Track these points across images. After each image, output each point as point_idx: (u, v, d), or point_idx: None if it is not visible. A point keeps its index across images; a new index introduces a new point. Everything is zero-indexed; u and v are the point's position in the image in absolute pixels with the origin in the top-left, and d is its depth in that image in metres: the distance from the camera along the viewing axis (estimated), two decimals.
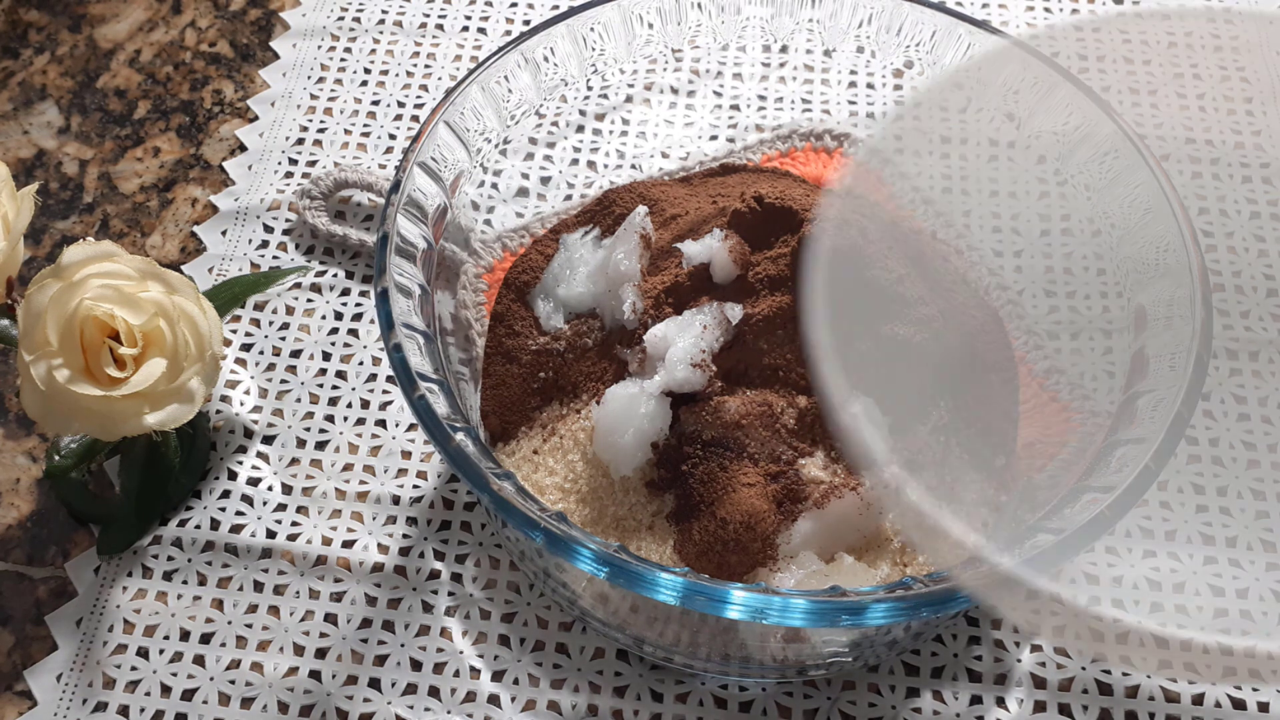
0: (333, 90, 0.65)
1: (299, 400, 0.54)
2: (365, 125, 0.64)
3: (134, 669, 0.46)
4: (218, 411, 0.53)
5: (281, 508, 0.50)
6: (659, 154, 0.60)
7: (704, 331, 0.46)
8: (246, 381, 0.54)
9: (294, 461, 0.52)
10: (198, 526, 0.50)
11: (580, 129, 0.61)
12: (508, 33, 0.68)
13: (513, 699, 0.45)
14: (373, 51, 0.67)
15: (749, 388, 0.47)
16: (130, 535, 0.49)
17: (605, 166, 0.59)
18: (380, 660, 0.46)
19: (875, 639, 0.43)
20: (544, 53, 0.51)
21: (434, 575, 0.48)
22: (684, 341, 0.46)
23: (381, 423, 0.53)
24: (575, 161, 0.60)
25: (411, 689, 0.46)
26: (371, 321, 0.56)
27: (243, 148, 0.63)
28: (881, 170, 0.58)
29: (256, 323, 0.56)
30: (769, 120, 0.61)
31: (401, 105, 0.64)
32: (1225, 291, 0.56)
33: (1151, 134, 0.62)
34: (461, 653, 0.47)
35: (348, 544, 0.49)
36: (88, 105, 0.65)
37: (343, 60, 0.66)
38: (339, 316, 0.56)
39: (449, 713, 0.45)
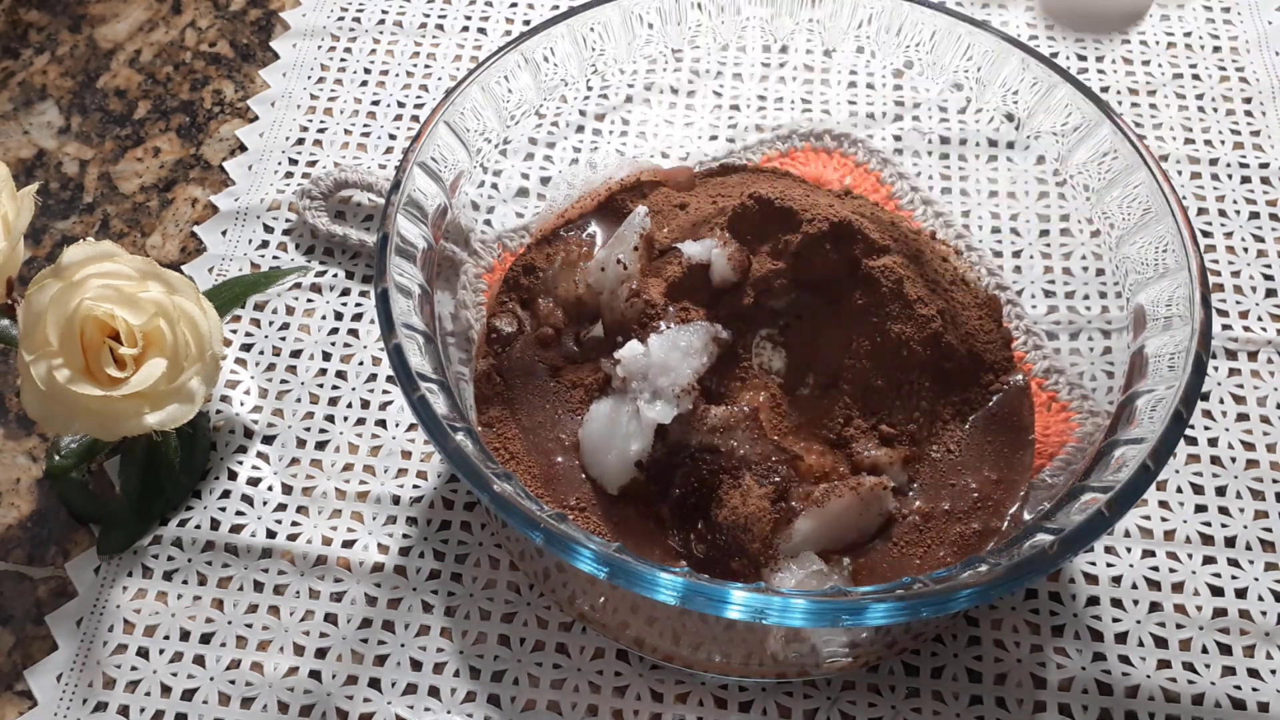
0: (333, 90, 0.65)
1: (299, 400, 0.54)
2: (365, 125, 0.64)
3: (134, 669, 0.46)
4: (218, 411, 0.53)
5: (281, 508, 0.50)
6: (659, 154, 0.60)
7: (686, 360, 0.46)
8: (246, 381, 0.54)
9: (294, 461, 0.52)
10: (198, 526, 0.50)
11: (580, 129, 0.61)
12: (508, 33, 0.68)
13: (513, 699, 0.45)
14: (373, 51, 0.67)
15: (742, 387, 0.47)
16: (130, 535, 0.49)
17: (605, 166, 0.59)
18: (380, 660, 0.46)
19: (875, 639, 0.43)
20: (544, 53, 0.51)
21: (434, 575, 0.48)
22: (666, 379, 0.45)
23: (381, 423, 0.53)
24: (575, 161, 0.60)
25: (411, 689, 0.46)
26: (371, 321, 0.56)
27: (243, 148, 0.63)
28: (881, 170, 0.58)
29: (256, 323, 0.56)
30: (769, 120, 0.61)
31: (401, 105, 0.64)
32: (1225, 291, 0.57)
33: (1151, 134, 0.62)
34: (461, 653, 0.47)
35: (348, 544, 0.49)
36: (88, 105, 0.65)
37: (343, 60, 0.66)
38: (339, 316, 0.56)
39: (449, 713, 0.45)
